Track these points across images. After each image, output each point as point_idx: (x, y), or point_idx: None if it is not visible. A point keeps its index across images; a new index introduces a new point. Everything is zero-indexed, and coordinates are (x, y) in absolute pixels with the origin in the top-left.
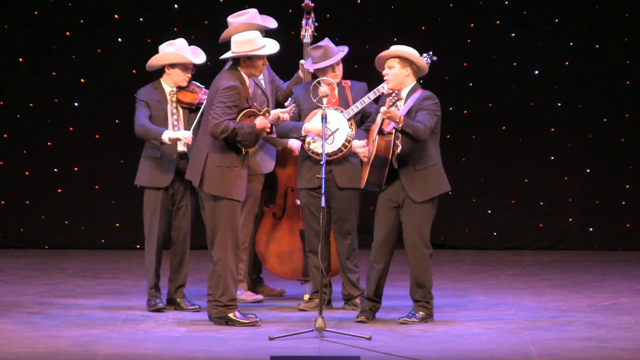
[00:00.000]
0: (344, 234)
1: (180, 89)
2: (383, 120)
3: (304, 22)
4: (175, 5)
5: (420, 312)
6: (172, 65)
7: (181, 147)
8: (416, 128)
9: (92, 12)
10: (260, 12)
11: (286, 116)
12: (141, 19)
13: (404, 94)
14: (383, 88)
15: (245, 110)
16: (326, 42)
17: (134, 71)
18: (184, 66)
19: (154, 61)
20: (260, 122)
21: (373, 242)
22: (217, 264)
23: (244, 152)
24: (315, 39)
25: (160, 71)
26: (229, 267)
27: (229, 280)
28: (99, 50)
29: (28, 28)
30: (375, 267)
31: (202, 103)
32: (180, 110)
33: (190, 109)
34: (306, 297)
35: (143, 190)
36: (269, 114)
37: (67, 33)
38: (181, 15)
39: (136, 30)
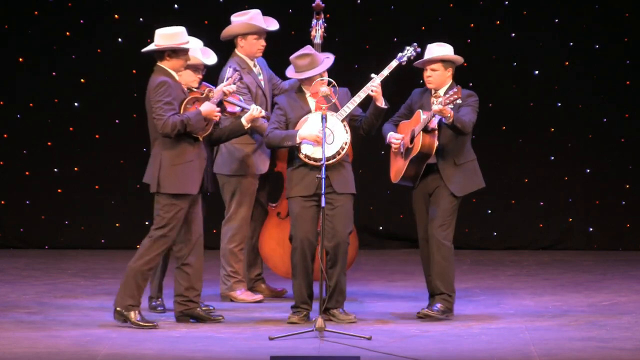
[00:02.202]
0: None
1: (191, 90)
2: (431, 118)
3: (314, 22)
4: (175, 5)
5: (440, 305)
6: (184, 67)
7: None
8: (464, 122)
9: (92, 12)
10: (263, 13)
11: (232, 87)
12: (141, 19)
13: (442, 92)
14: (371, 87)
15: (188, 99)
16: (310, 49)
17: (133, 71)
18: (195, 67)
19: None
20: (205, 106)
21: (418, 238)
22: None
23: (200, 139)
24: (325, 39)
25: None
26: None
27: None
28: (99, 50)
29: (28, 28)
30: (424, 263)
31: None
32: None
33: None
34: None
35: (144, 191)
36: (213, 92)
37: (67, 33)
38: (181, 15)
39: (136, 30)
